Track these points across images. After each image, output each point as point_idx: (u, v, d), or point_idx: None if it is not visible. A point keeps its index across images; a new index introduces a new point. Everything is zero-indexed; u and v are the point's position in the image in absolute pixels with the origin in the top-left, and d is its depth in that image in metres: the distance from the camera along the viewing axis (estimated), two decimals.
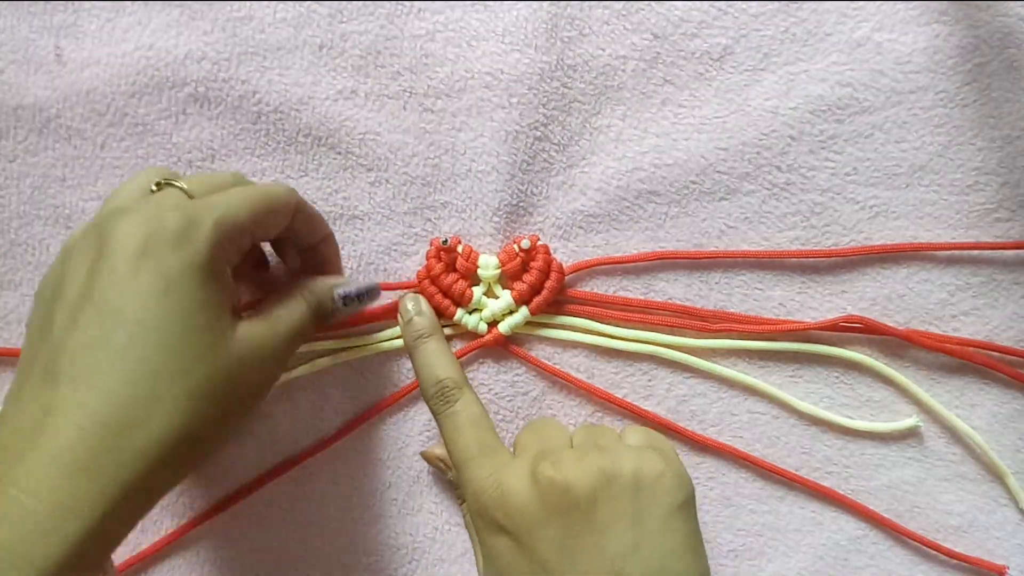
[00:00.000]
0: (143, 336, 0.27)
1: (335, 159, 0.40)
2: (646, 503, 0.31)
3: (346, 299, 0.35)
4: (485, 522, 0.32)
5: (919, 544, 0.40)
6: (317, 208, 0.39)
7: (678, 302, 0.40)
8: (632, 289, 0.40)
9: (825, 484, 0.40)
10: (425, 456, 0.39)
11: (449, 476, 0.38)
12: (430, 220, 0.40)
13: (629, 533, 0.30)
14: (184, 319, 0.28)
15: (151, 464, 0.27)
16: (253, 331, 0.31)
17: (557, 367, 0.40)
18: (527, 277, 0.39)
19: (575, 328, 0.40)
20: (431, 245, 0.39)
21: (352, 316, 0.37)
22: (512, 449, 0.35)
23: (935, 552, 0.40)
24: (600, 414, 0.40)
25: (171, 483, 0.29)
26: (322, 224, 0.36)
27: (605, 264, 0.40)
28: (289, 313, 0.33)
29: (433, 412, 0.36)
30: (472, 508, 0.33)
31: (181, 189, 0.31)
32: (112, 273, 0.28)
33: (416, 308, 0.38)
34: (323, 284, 0.35)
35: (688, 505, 0.32)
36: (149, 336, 0.27)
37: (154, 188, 0.31)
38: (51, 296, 0.29)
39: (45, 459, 0.26)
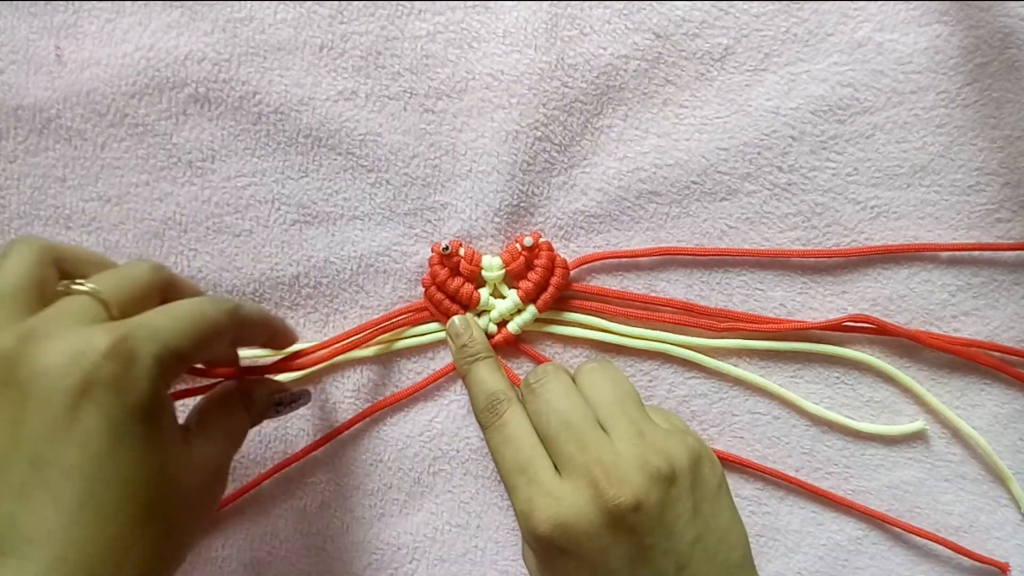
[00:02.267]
0: (96, 493, 0.24)
1: (336, 160, 0.40)
2: (700, 493, 0.32)
3: (279, 408, 0.35)
4: (541, 544, 0.32)
5: (925, 540, 0.40)
6: (316, 209, 0.40)
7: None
8: (634, 289, 0.40)
9: (826, 484, 0.40)
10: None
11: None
12: (431, 221, 0.40)
13: (691, 528, 0.32)
14: (137, 464, 0.26)
15: None
16: (204, 451, 0.30)
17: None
18: (532, 275, 0.39)
19: (582, 325, 0.40)
20: (432, 251, 0.39)
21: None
22: (548, 451, 0.34)
23: (939, 549, 0.40)
24: None
25: None
26: (268, 325, 0.34)
27: (609, 258, 0.40)
28: (233, 426, 0.32)
29: (482, 426, 0.36)
30: (524, 526, 0.32)
31: (96, 298, 0.27)
32: (46, 424, 0.24)
33: (467, 331, 0.38)
34: (264, 393, 0.34)
35: (724, 479, 0.34)
36: (102, 491, 0.25)
37: (60, 287, 0.27)
38: None
39: None
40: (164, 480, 0.27)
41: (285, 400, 0.36)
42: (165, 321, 0.27)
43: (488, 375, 0.37)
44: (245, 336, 0.32)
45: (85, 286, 0.27)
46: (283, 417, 0.39)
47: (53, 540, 0.24)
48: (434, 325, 0.40)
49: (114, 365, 0.25)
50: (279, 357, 0.37)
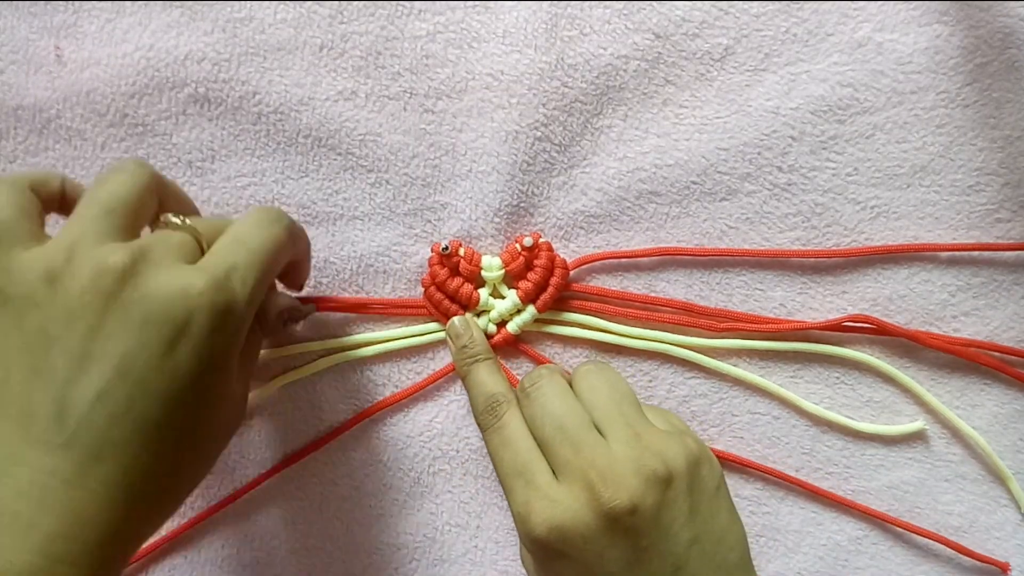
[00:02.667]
0: (172, 418, 0.27)
1: (335, 160, 0.40)
2: (697, 496, 0.32)
3: (286, 324, 0.36)
4: (538, 547, 0.32)
5: (926, 540, 0.40)
6: (316, 209, 0.40)
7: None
8: (634, 289, 0.40)
9: (826, 484, 0.40)
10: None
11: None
12: (430, 221, 0.40)
13: (687, 529, 0.31)
14: (217, 395, 0.28)
15: (170, 513, 0.29)
16: (239, 378, 0.31)
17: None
18: (531, 275, 0.39)
19: (581, 325, 0.40)
20: (432, 251, 0.39)
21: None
22: (544, 454, 0.34)
23: (939, 549, 0.40)
24: None
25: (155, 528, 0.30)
26: (303, 239, 0.34)
27: (608, 259, 0.40)
28: (252, 348, 0.33)
29: (482, 428, 0.36)
30: (521, 529, 0.32)
31: (195, 237, 0.29)
32: (143, 347, 0.26)
33: (467, 332, 0.38)
34: (274, 311, 0.35)
35: (723, 480, 0.34)
36: (178, 418, 0.27)
37: (164, 220, 0.30)
38: (39, 326, 0.26)
39: (67, 530, 0.25)
40: (221, 409, 0.29)
41: (294, 316, 0.36)
42: (249, 262, 0.29)
43: (488, 376, 0.37)
44: (302, 254, 0.34)
45: (187, 224, 0.29)
46: (276, 420, 0.39)
47: (126, 451, 0.26)
48: (433, 325, 0.40)
49: (213, 306, 0.27)
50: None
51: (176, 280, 0.27)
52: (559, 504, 0.31)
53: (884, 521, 0.40)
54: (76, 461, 0.25)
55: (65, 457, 0.25)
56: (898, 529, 0.40)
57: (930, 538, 0.39)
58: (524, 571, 0.38)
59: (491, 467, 0.40)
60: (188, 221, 0.30)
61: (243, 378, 0.32)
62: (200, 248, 0.29)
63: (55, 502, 0.25)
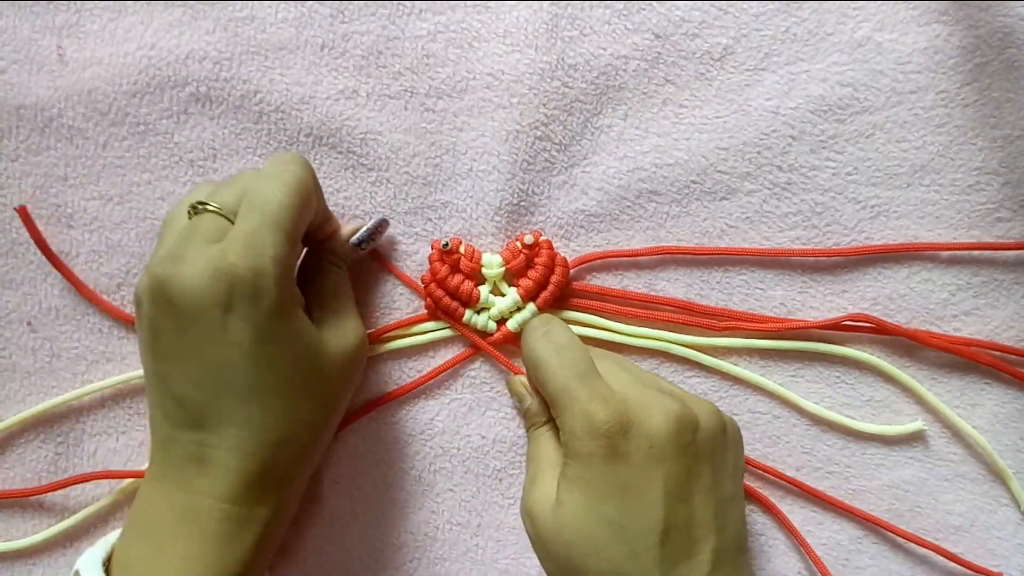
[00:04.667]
0: (257, 379, 0.31)
1: (336, 159, 0.40)
2: (738, 457, 0.35)
3: (361, 243, 0.37)
4: (599, 444, 0.31)
5: (918, 546, 0.40)
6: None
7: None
8: (634, 288, 0.40)
9: (826, 484, 0.40)
10: (511, 383, 0.39)
11: (527, 405, 0.37)
12: (431, 220, 0.40)
13: (729, 483, 0.33)
14: (284, 353, 0.31)
15: (301, 460, 0.34)
16: (337, 324, 0.35)
17: None
18: (532, 273, 0.39)
19: (582, 323, 0.40)
20: (432, 248, 0.39)
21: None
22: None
23: (935, 554, 0.40)
24: None
25: (320, 457, 0.37)
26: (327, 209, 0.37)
27: (609, 257, 0.40)
28: (340, 289, 0.37)
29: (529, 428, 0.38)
30: (580, 427, 0.32)
31: (219, 213, 0.32)
32: (203, 332, 0.30)
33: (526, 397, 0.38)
34: (340, 243, 0.37)
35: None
36: (262, 377, 0.31)
37: (190, 212, 0.33)
38: (150, 345, 0.32)
39: (220, 477, 0.31)
40: (309, 359, 0.32)
41: (364, 237, 0.38)
42: (264, 222, 0.31)
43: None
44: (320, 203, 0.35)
45: (211, 206, 0.32)
46: None
47: (233, 417, 0.31)
48: (432, 324, 0.40)
49: (249, 279, 0.30)
50: None
51: (206, 264, 0.30)
52: (643, 398, 0.32)
53: (879, 527, 0.40)
54: (211, 436, 0.31)
55: (202, 433, 0.31)
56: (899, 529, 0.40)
57: (925, 546, 0.39)
58: (527, 568, 0.38)
59: (492, 465, 0.40)
60: (213, 204, 0.32)
61: (336, 324, 0.35)
62: (229, 220, 0.32)
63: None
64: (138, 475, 0.39)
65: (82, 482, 0.39)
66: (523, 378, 0.38)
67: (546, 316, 0.38)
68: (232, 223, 0.32)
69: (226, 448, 0.31)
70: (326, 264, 0.37)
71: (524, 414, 0.38)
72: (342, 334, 0.35)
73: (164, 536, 0.31)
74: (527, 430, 0.38)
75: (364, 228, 0.38)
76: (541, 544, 0.33)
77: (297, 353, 0.32)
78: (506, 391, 0.40)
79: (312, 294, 0.36)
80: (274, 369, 0.31)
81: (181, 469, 0.31)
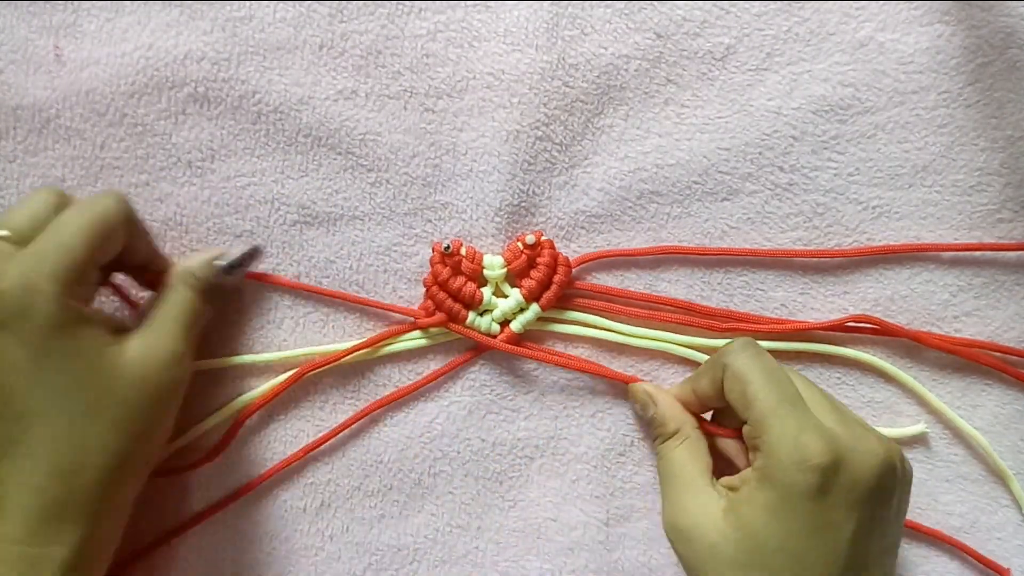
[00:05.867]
0: (35, 400, 0.29)
1: (335, 159, 0.40)
2: (907, 499, 0.33)
3: (229, 269, 0.36)
4: (805, 478, 0.30)
5: (928, 538, 0.40)
6: (316, 209, 0.40)
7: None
8: (635, 289, 0.40)
9: None
10: (634, 390, 0.38)
11: (651, 413, 0.37)
12: (431, 221, 0.40)
13: (897, 527, 0.33)
14: (66, 371, 0.30)
15: (103, 489, 0.31)
16: (145, 342, 0.33)
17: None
18: (534, 273, 0.38)
19: (584, 324, 0.40)
20: (433, 251, 0.39)
21: (241, 279, 0.38)
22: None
23: (941, 548, 0.40)
24: (609, 407, 0.40)
25: (136, 488, 0.33)
26: (153, 243, 0.36)
27: (611, 256, 0.40)
28: (178, 308, 0.35)
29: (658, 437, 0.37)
30: (789, 456, 0.30)
31: (4, 239, 0.31)
32: None
33: (651, 406, 0.37)
34: (202, 262, 0.36)
35: None
36: (40, 398, 0.29)
37: None
38: None
39: (8, 515, 0.29)
40: (103, 378, 0.31)
41: (234, 263, 0.36)
42: (55, 240, 0.30)
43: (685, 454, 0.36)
44: (139, 240, 0.35)
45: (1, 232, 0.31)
46: (277, 420, 0.39)
47: (17, 446, 0.29)
48: (434, 331, 0.39)
49: (17, 296, 0.29)
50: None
51: None
52: (856, 434, 0.31)
53: None
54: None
55: None
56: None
57: (934, 536, 0.39)
58: (529, 571, 0.38)
59: (492, 468, 0.40)
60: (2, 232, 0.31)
61: (153, 342, 0.33)
62: (11, 242, 0.31)
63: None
64: None
65: None
66: (646, 385, 0.38)
67: (750, 339, 0.35)
68: (17, 248, 0.31)
69: (13, 483, 0.29)
70: (174, 282, 0.35)
71: (649, 423, 0.37)
72: (152, 354, 0.32)
73: None
74: (653, 441, 0.37)
75: (234, 254, 0.36)
76: (699, 564, 0.32)
77: (80, 371, 0.30)
78: (506, 393, 0.40)
79: (143, 315, 0.34)
80: (55, 389, 0.30)
81: None
